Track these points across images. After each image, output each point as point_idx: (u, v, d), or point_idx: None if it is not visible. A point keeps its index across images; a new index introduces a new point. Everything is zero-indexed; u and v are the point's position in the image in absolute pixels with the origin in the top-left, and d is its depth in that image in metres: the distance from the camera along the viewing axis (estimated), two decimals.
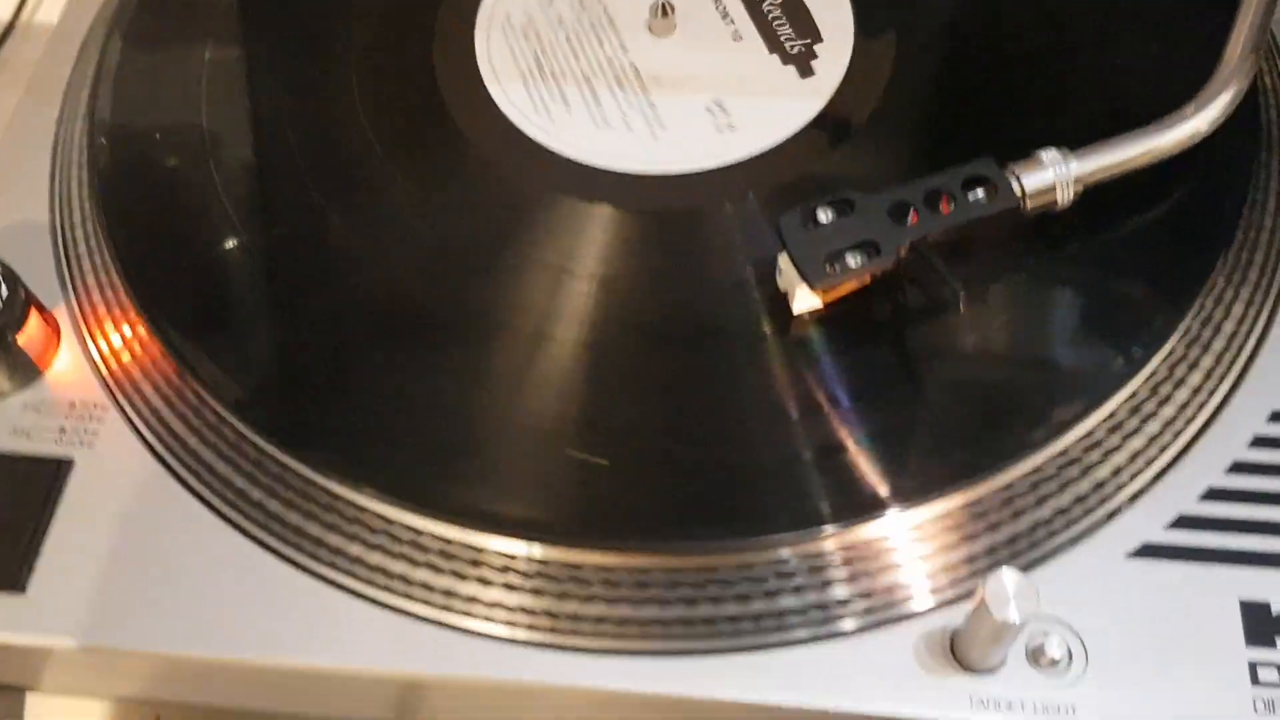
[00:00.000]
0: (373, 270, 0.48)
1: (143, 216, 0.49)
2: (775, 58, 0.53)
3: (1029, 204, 0.44)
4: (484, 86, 0.53)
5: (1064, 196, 0.44)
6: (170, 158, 0.50)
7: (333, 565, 0.43)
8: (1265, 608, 0.41)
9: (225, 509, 0.44)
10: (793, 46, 0.53)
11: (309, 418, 0.45)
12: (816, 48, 0.53)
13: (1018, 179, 0.44)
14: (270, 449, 0.44)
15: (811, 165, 0.50)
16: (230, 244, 0.48)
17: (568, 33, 0.54)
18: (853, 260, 0.43)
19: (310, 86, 0.53)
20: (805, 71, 0.52)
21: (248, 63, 0.54)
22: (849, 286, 0.45)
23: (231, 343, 0.47)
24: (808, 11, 0.54)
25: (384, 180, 0.50)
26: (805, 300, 0.45)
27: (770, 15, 0.54)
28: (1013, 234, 0.46)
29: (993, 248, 0.46)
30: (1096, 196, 0.46)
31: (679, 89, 0.52)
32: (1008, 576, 0.37)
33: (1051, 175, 0.44)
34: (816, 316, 0.45)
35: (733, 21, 0.54)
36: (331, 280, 0.48)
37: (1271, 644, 0.40)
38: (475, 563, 0.42)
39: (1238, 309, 0.46)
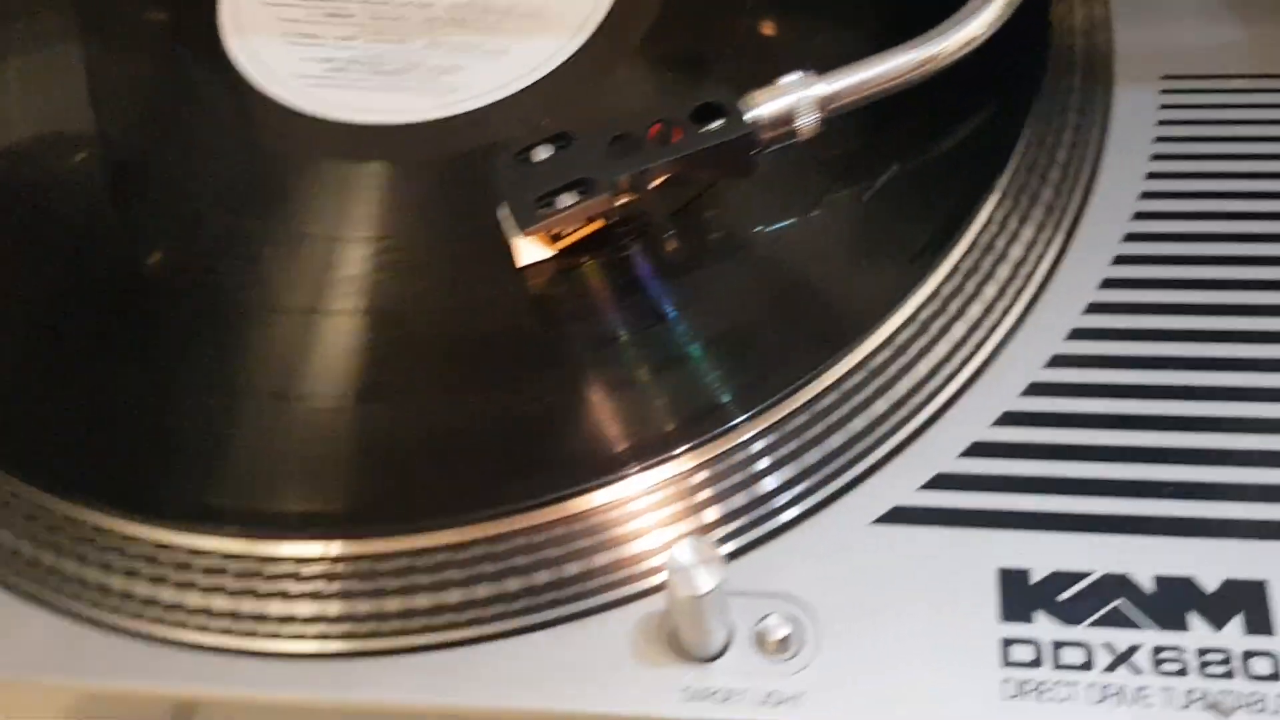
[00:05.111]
0: (103, 251, 0.40)
1: None
2: None
3: (767, 133, 0.36)
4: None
5: (807, 124, 0.36)
6: None
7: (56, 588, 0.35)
8: (1024, 576, 0.33)
9: None
10: None
11: (41, 433, 0.37)
12: None
13: (752, 106, 0.35)
14: None
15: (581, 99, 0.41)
16: None
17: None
18: (564, 200, 0.35)
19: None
20: None
21: None
22: (582, 231, 0.37)
23: None
24: None
25: (113, 148, 0.42)
26: (529, 250, 0.36)
27: None
28: (764, 171, 0.37)
29: (740, 186, 0.38)
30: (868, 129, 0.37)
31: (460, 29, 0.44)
32: (690, 547, 0.29)
33: (790, 101, 0.35)
34: (549, 269, 0.37)
35: None
36: (46, 268, 0.40)
37: (1027, 618, 0.32)
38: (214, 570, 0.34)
39: (1016, 250, 0.38)
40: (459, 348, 0.37)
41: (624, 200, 0.35)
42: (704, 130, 0.35)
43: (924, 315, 0.35)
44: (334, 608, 0.32)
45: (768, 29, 0.44)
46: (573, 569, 0.33)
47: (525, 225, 0.35)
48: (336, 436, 0.35)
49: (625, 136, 0.35)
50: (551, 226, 0.35)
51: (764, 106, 0.35)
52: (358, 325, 0.38)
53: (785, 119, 0.36)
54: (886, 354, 0.35)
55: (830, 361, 0.34)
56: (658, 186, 0.36)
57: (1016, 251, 0.38)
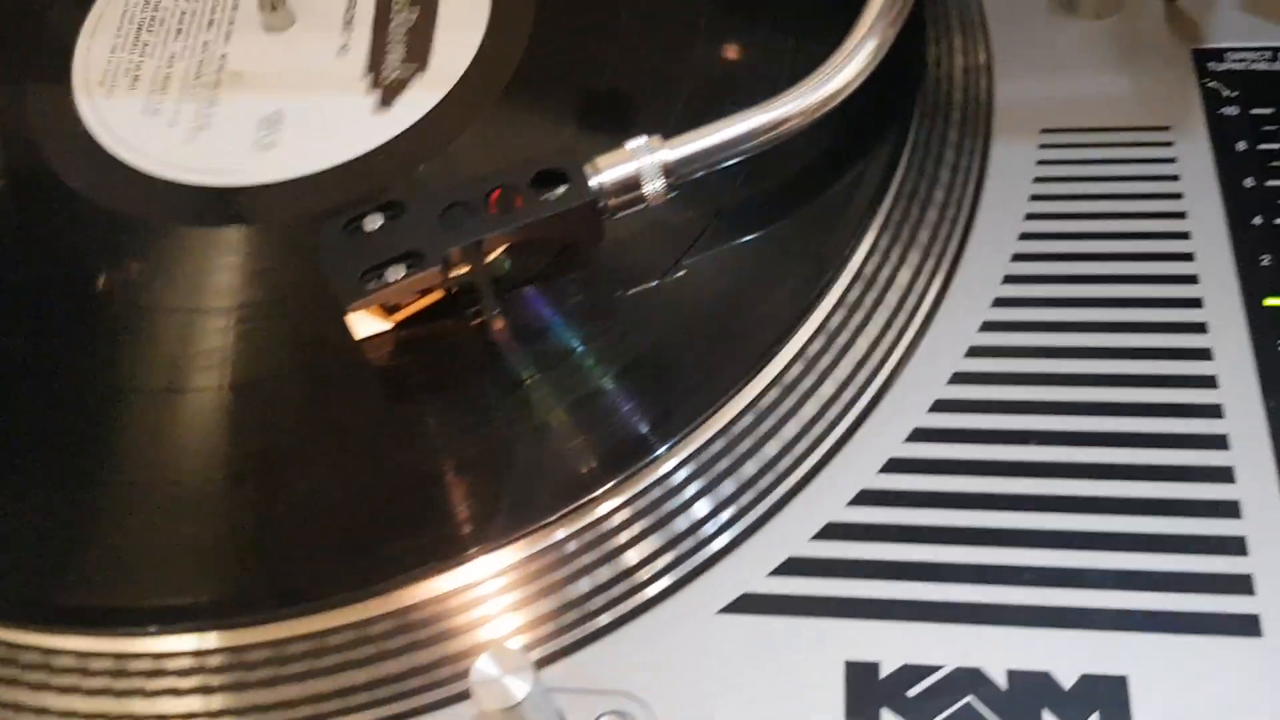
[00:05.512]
0: None
1: None
2: (366, 81, 0.42)
3: (612, 200, 0.34)
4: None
5: (654, 190, 0.34)
6: None
7: None
8: (873, 669, 0.31)
9: None
10: (389, 74, 0.42)
11: None
12: (414, 79, 0.42)
13: (596, 172, 0.34)
14: None
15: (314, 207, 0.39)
16: None
17: (181, 22, 0.45)
18: (394, 273, 0.33)
19: None
20: (386, 103, 0.41)
21: None
22: (421, 302, 0.35)
23: None
24: (430, 37, 0.43)
25: None
26: (365, 323, 0.34)
27: (392, 32, 0.43)
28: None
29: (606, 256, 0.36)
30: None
31: (249, 93, 0.42)
32: (493, 658, 0.27)
33: (634, 167, 0.34)
34: (389, 342, 0.35)
35: (351, 29, 0.44)
36: None
37: (874, 716, 0.30)
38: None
39: (878, 319, 0.36)
40: (300, 432, 0.35)
41: (459, 272, 0.33)
42: (545, 198, 0.34)
43: (772, 395, 0.34)
44: (139, 706, 0.30)
45: (635, 80, 0.42)
46: (390, 667, 0.31)
47: (349, 301, 0.33)
48: (169, 525, 0.33)
49: (461, 204, 0.33)
50: (380, 300, 0.33)
51: (608, 172, 0.34)
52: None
53: (631, 185, 0.34)
54: (728, 437, 0.33)
55: (675, 438, 0.32)
56: (499, 256, 0.34)
57: (878, 322, 0.36)
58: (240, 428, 0.35)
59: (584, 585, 0.32)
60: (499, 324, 0.33)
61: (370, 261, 0.33)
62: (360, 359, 0.35)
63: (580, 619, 0.32)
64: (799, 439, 0.34)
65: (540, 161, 0.34)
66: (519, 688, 0.27)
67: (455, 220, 0.33)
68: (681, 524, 0.32)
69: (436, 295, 0.35)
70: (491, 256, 0.33)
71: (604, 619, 0.32)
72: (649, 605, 0.32)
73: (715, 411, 0.33)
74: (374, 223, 0.33)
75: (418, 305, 0.35)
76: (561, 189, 0.34)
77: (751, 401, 0.33)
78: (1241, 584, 0.31)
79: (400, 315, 0.35)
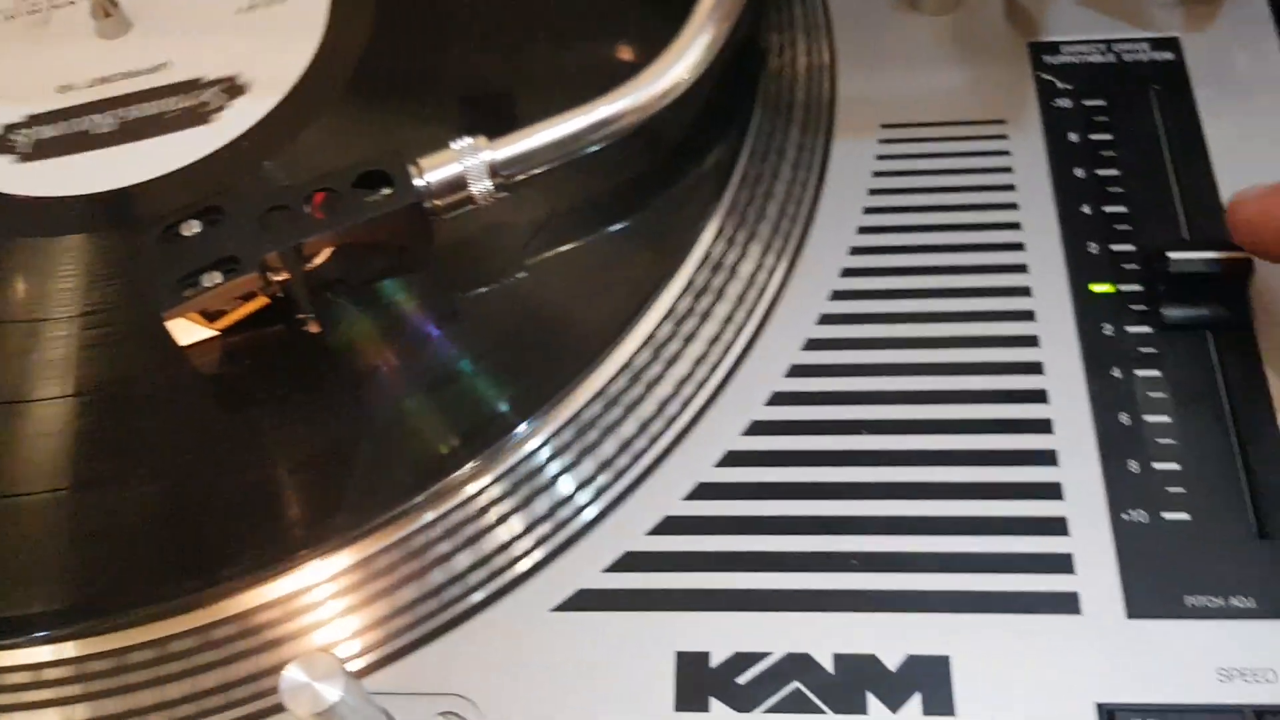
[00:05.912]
0: None
1: None
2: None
3: (439, 201, 0.34)
4: None
5: (482, 190, 0.34)
6: None
7: None
8: (704, 659, 0.31)
9: None
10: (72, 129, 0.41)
11: None
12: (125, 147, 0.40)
13: (420, 173, 0.33)
14: None
15: None
16: None
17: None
18: (209, 280, 0.32)
19: None
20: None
21: None
22: (245, 308, 0.34)
23: None
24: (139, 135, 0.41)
25: None
26: (187, 330, 0.34)
27: (144, 106, 0.41)
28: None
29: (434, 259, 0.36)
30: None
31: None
32: (302, 666, 0.27)
33: (459, 168, 0.33)
34: (217, 349, 0.34)
35: (129, 80, 0.42)
36: None
37: (703, 705, 0.30)
38: None
39: (710, 328, 0.36)
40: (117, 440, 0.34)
41: (281, 277, 0.33)
42: (370, 199, 0.33)
43: (607, 396, 0.34)
44: None
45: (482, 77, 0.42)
46: (217, 677, 0.30)
47: (163, 308, 0.32)
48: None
49: (282, 208, 0.33)
50: (197, 307, 0.32)
51: (432, 173, 0.33)
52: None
53: (458, 185, 0.34)
54: (562, 439, 0.33)
55: (505, 441, 0.32)
56: (325, 260, 0.33)
57: (718, 316, 0.36)
58: (77, 440, 0.34)
59: (412, 590, 0.32)
60: (315, 327, 0.32)
61: (188, 268, 0.32)
62: (197, 366, 0.35)
63: (412, 623, 0.31)
64: (638, 435, 0.34)
65: (364, 164, 0.33)
66: (329, 693, 0.27)
67: (275, 225, 0.33)
68: (518, 523, 0.32)
69: (261, 301, 0.34)
70: (318, 261, 0.33)
71: (434, 623, 0.32)
72: (483, 605, 0.32)
73: (547, 414, 0.33)
74: (192, 229, 0.33)
75: (242, 311, 0.34)
76: (386, 191, 0.33)
77: (586, 403, 0.33)
78: (1062, 563, 0.32)
79: (225, 322, 0.34)
